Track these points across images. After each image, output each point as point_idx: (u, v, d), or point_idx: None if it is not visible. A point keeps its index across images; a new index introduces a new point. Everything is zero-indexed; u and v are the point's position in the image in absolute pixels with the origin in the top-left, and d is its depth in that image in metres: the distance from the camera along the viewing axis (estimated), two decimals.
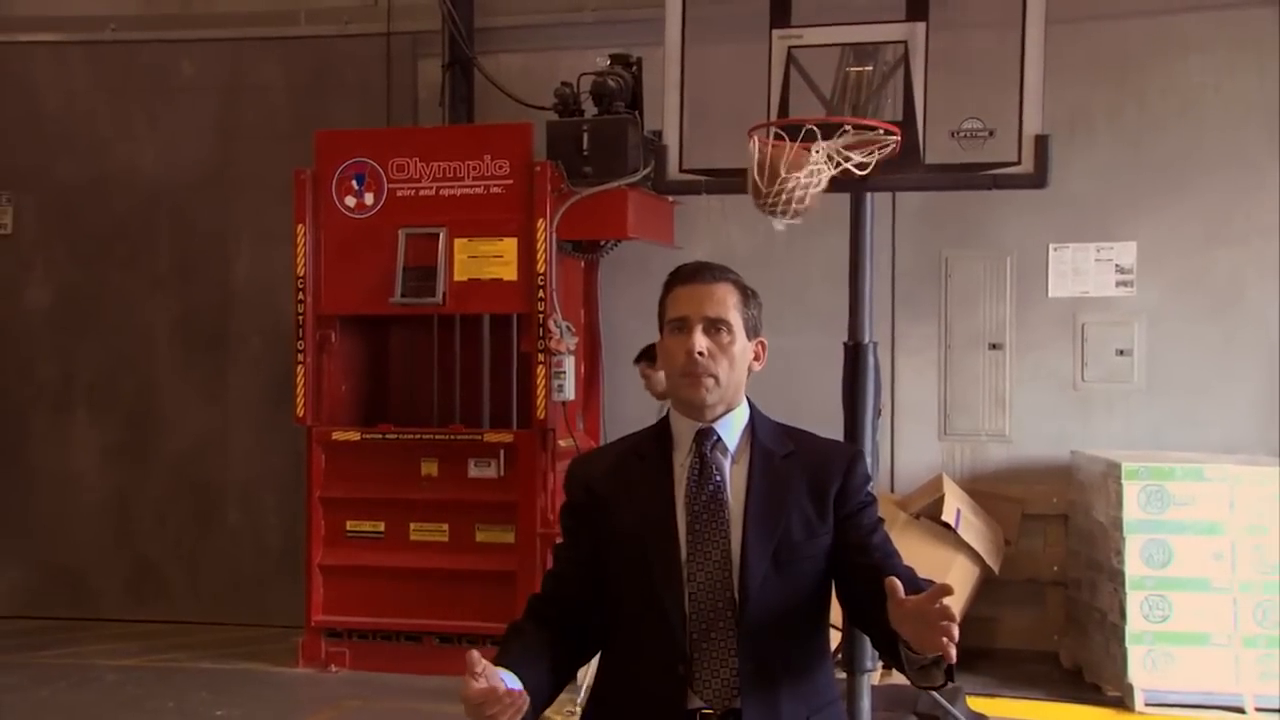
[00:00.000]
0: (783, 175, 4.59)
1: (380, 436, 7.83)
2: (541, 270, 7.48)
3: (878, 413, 5.27)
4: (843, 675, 4.99)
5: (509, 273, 7.56)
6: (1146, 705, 6.73)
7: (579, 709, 5.88)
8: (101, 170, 9.30)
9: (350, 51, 8.99)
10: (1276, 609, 6.66)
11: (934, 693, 5.51)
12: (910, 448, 8.27)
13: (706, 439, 2.67)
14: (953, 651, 2.26)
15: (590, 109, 7.74)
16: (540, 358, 7.47)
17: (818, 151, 4.61)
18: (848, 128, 4.74)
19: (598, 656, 2.75)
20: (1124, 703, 6.82)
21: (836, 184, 4.83)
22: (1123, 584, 6.80)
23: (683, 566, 2.60)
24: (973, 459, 8.25)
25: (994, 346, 8.22)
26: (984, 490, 8.00)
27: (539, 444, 7.54)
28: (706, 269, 2.72)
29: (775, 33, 5.22)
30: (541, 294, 7.48)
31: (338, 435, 7.83)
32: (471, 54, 8.66)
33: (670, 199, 7.90)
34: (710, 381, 2.64)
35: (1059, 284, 8.11)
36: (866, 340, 5.23)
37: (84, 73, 9.40)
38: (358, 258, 7.75)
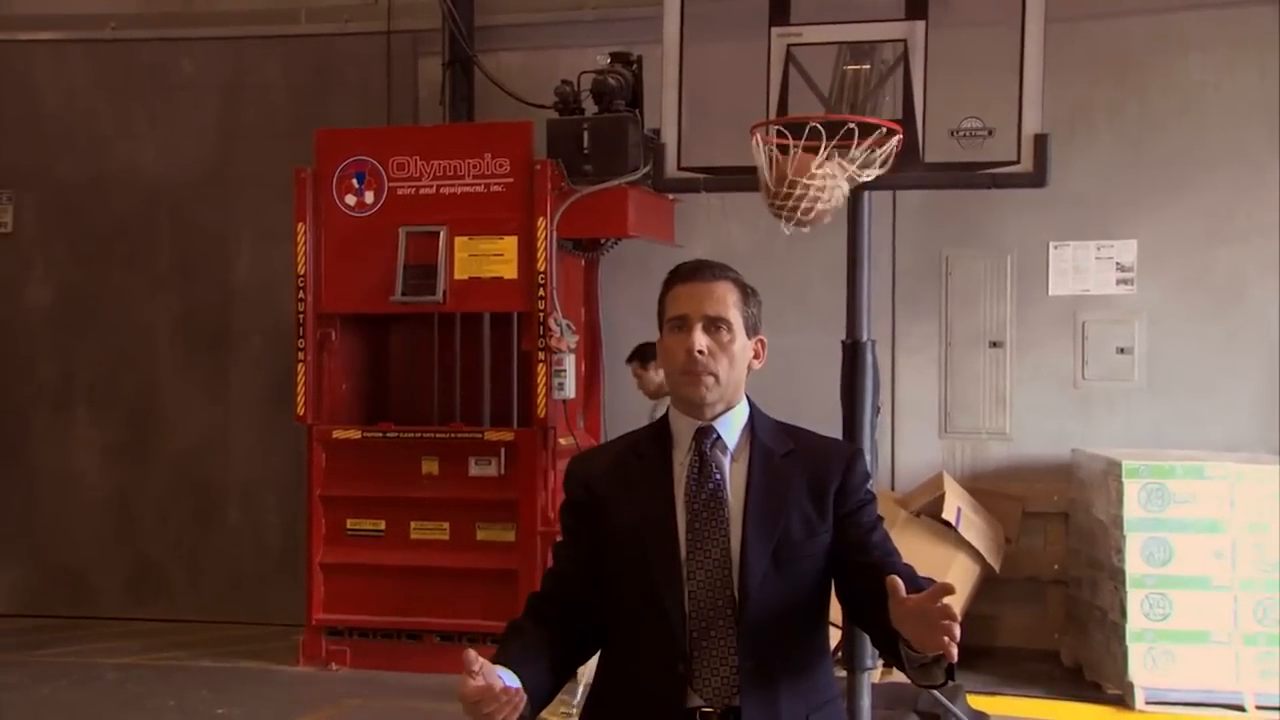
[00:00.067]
0: (790, 178, 4.57)
1: (381, 435, 7.83)
2: (542, 268, 7.48)
3: (876, 410, 5.27)
4: (843, 673, 4.99)
5: (509, 271, 7.56)
6: (1147, 703, 6.73)
7: (575, 710, 5.89)
8: (102, 169, 9.31)
9: (351, 50, 8.99)
10: (1277, 607, 6.66)
11: (934, 691, 5.51)
12: (911, 446, 8.27)
13: (706, 437, 2.66)
14: (954, 650, 2.26)
15: (590, 107, 7.74)
16: (541, 356, 7.47)
17: (832, 166, 4.56)
18: (853, 128, 4.71)
19: (597, 655, 2.75)
20: (1124, 701, 6.82)
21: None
22: (1123, 582, 6.80)
23: (682, 565, 2.59)
24: (973, 457, 8.25)
25: (994, 345, 8.22)
26: (984, 488, 8.01)
27: (539, 442, 7.54)
28: (706, 267, 2.71)
29: (774, 30, 5.22)
30: (542, 292, 7.48)
31: (338, 434, 7.83)
32: (472, 52, 8.66)
33: (670, 197, 7.89)
34: (710, 380, 2.64)
35: (1059, 282, 8.11)
36: (865, 338, 5.23)
37: (84, 71, 9.40)
38: (358, 256, 7.76)
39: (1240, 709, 6.66)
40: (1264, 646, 6.66)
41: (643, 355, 7.43)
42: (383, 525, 7.80)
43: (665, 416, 2.75)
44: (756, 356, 2.72)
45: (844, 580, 2.67)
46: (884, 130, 4.69)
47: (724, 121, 5.26)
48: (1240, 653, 6.70)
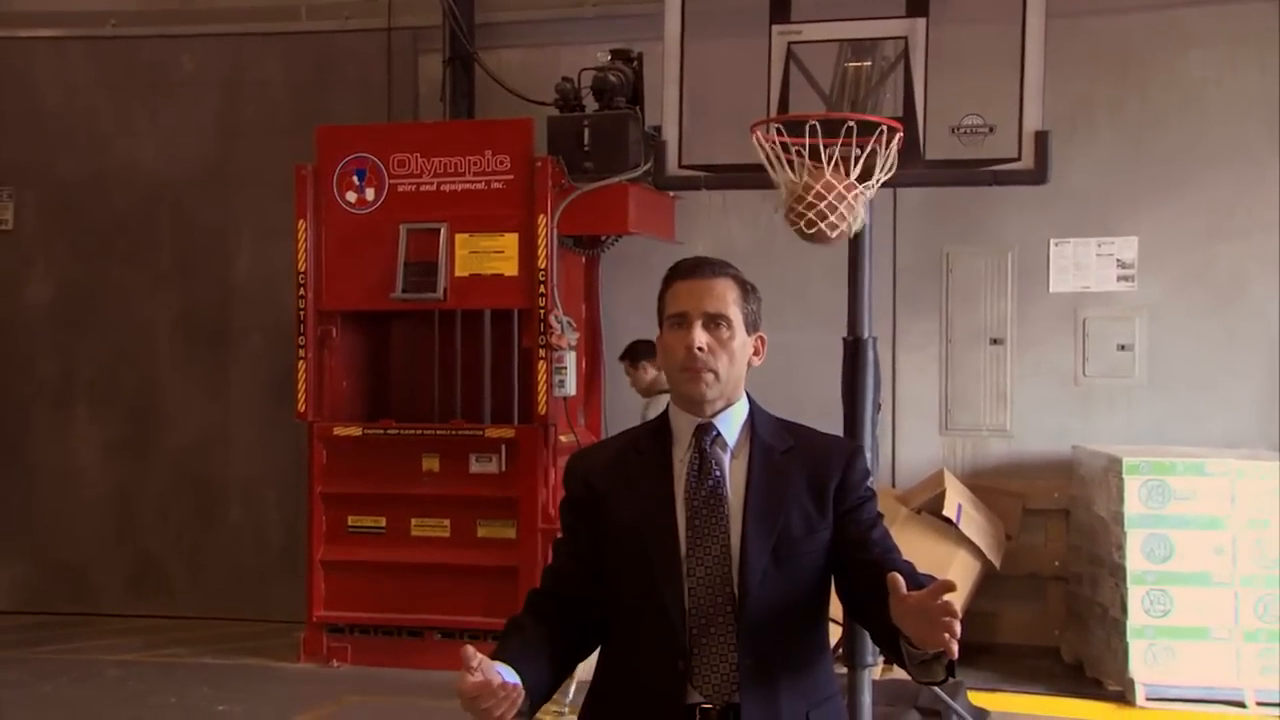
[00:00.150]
0: (808, 199, 4.53)
1: (381, 432, 7.83)
2: (542, 265, 7.47)
3: (877, 407, 5.26)
4: (844, 670, 4.99)
5: (510, 268, 7.56)
6: (1147, 700, 6.73)
7: (566, 708, 5.90)
8: (102, 166, 9.31)
9: (351, 47, 8.99)
10: (1277, 603, 6.66)
11: (935, 688, 5.51)
12: (911, 443, 8.27)
13: (706, 434, 2.66)
14: (955, 647, 2.26)
15: (591, 104, 7.74)
16: (541, 353, 7.47)
17: (856, 196, 4.54)
18: (856, 144, 4.67)
19: (597, 652, 2.75)
20: (1125, 697, 6.83)
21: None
22: (1124, 579, 6.80)
23: (682, 562, 2.59)
24: (974, 454, 8.25)
25: (995, 342, 8.22)
26: (985, 485, 8.01)
27: (540, 439, 7.55)
28: (706, 264, 2.71)
29: (775, 28, 5.21)
30: (542, 289, 7.48)
31: (339, 431, 7.84)
32: (472, 49, 8.65)
33: (671, 194, 7.89)
34: (710, 376, 2.64)
35: (1060, 279, 8.11)
36: (865, 335, 5.23)
37: (85, 68, 9.40)
38: (359, 253, 7.75)
39: (1240, 705, 6.66)
40: (1264, 643, 6.67)
41: (634, 354, 7.44)
42: (383, 522, 7.80)
43: (665, 413, 2.75)
44: (756, 353, 2.72)
45: (844, 577, 2.67)
46: (884, 129, 4.69)
47: (725, 119, 5.25)
48: (1241, 649, 6.71)
